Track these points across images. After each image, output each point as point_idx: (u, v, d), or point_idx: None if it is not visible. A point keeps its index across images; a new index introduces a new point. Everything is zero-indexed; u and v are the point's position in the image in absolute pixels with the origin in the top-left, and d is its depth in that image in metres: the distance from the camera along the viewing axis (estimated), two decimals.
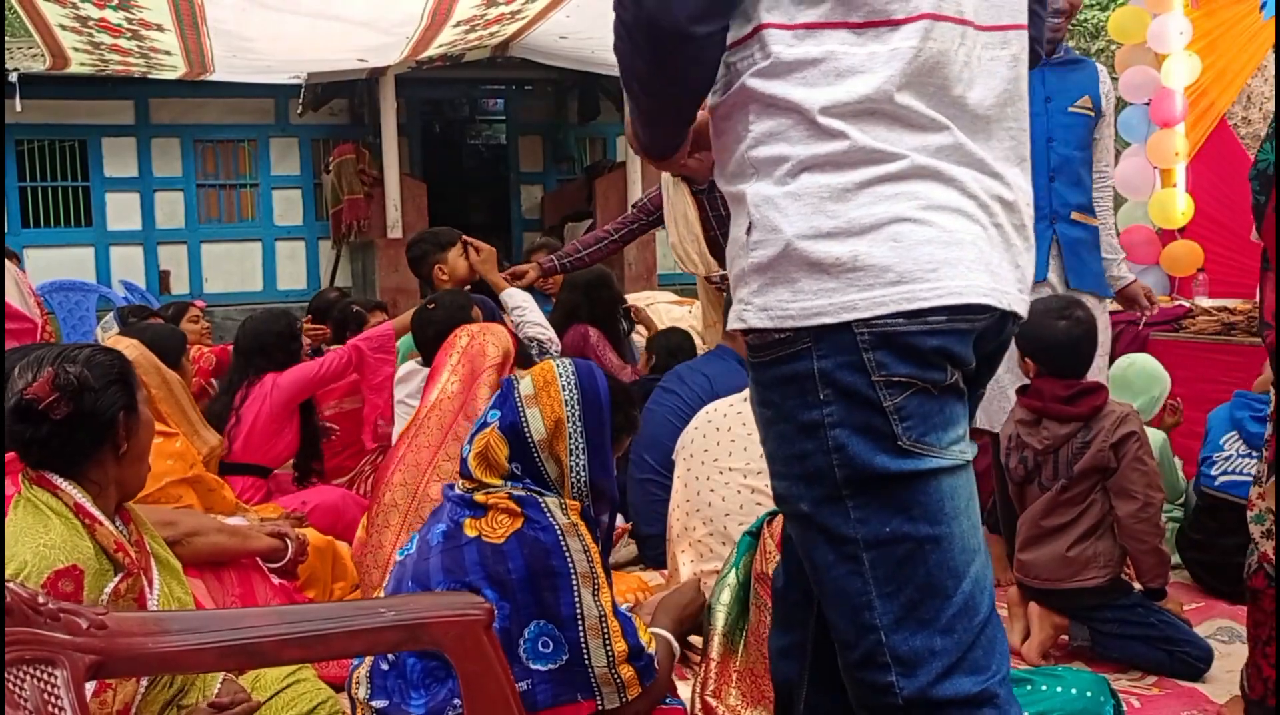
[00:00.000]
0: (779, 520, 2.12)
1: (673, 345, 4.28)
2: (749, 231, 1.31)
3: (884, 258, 1.24)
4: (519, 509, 1.95)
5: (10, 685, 1.08)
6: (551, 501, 1.98)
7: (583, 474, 2.01)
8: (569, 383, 2.05)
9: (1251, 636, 2.17)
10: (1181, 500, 3.49)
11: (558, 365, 2.09)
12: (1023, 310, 1.34)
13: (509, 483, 2.00)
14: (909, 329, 1.24)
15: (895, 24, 1.25)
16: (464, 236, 3.93)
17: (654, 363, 4.25)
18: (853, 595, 1.31)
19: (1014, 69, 1.34)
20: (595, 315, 4.48)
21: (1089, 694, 2.20)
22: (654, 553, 3.41)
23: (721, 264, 4.22)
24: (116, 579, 1.74)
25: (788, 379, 1.30)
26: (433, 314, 3.48)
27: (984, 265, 1.26)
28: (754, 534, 2.24)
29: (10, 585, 1.16)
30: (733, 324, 1.37)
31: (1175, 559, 3.34)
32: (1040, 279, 3.26)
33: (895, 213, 1.24)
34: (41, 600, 1.18)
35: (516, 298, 3.81)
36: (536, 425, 2.01)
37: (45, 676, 1.14)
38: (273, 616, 1.40)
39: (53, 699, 1.13)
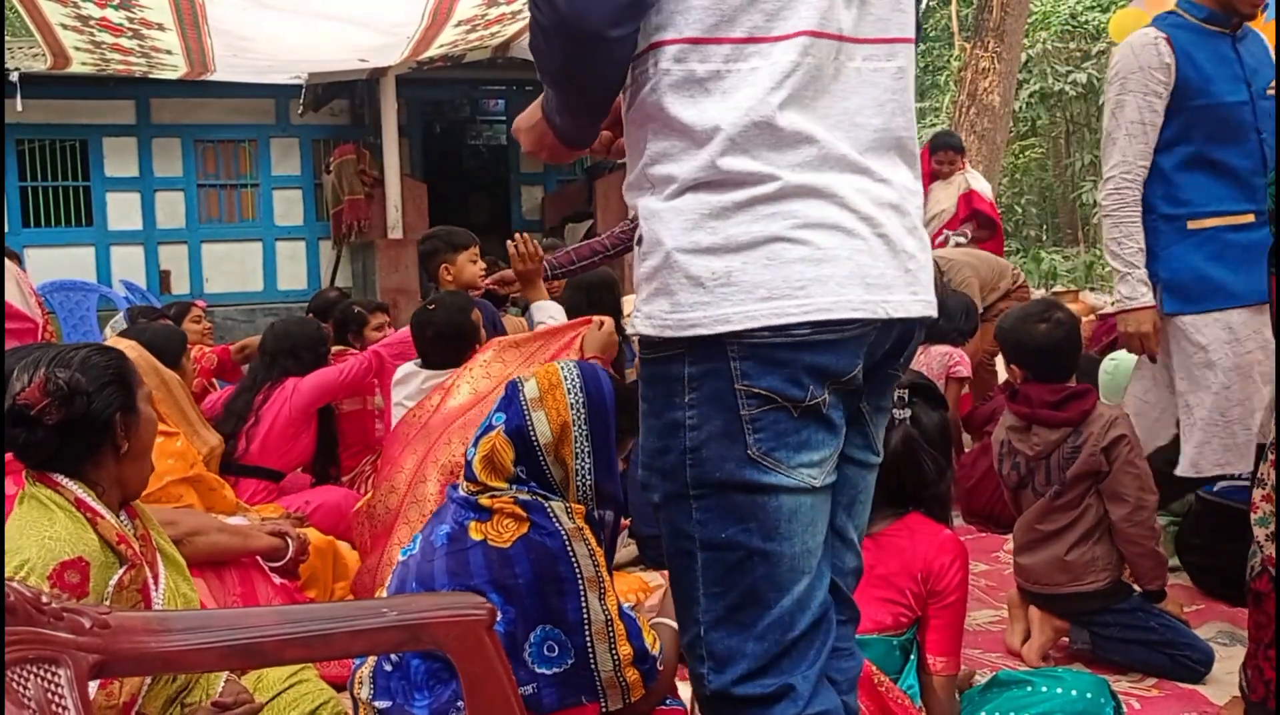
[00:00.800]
0: None
1: None
2: (640, 242, 1.39)
3: (757, 275, 1.29)
4: (525, 514, 1.94)
5: (15, 684, 1.08)
6: (557, 506, 1.97)
7: (588, 478, 2.01)
8: (574, 386, 2.04)
9: (1254, 639, 2.16)
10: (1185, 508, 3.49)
11: (562, 368, 2.08)
12: (919, 311, 1.38)
13: (514, 486, 2.00)
14: (775, 342, 1.29)
15: (775, 40, 1.30)
16: (517, 235, 3.85)
17: None
18: (685, 587, 1.40)
19: (899, 80, 1.39)
20: (595, 313, 4.48)
21: (1089, 695, 2.20)
22: (654, 553, 3.41)
23: None
24: (121, 571, 1.75)
25: (660, 378, 1.37)
26: (432, 315, 3.47)
27: (859, 279, 1.31)
28: None
29: (14, 584, 1.16)
30: (629, 328, 1.47)
31: (1174, 561, 3.34)
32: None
33: (771, 232, 1.29)
34: (45, 599, 1.18)
35: (549, 309, 3.78)
36: (542, 429, 2.00)
37: (49, 676, 1.14)
38: (275, 616, 1.40)
39: (56, 698, 1.13)
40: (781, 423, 1.31)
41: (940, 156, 6.62)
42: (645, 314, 1.37)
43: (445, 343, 3.41)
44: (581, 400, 2.03)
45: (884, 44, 1.38)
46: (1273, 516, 2.10)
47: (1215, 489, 3.17)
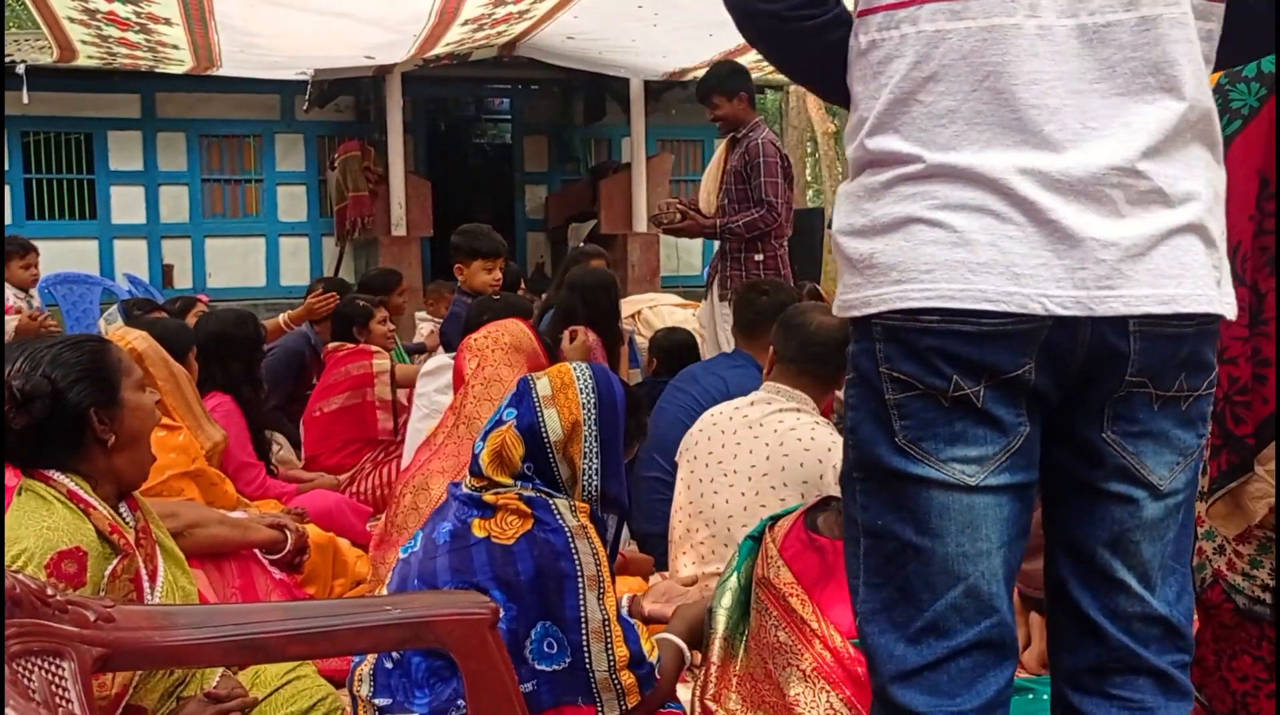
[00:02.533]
0: (781, 524, 2.11)
1: (673, 343, 4.26)
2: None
3: (893, 257, 1.25)
4: (529, 510, 1.95)
5: (20, 676, 1.08)
6: (561, 503, 1.98)
7: (594, 478, 2.01)
8: (587, 386, 2.06)
9: (1213, 652, 2.10)
10: None
11: (575, 368, 2.10)
12: (1124, 309, 1.22)
13: (519, 483, 2.00)
14: (907, 326, 1.25)
15: (921, 3, 1.23)
16: (579, 329, 3.93)
17: (655, 366, 4.24)
18: (850, 574, 1.37)
19: (1143, 32, 1.22)
20: (592, 318, 4.48)
21: None
22: (655, 553, 3.40)
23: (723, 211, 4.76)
24: (115, 561, 1.75)
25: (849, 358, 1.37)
26: (493, 303, 3.61)
27: (1003, 267, 1.21)
28: (756, 538, 2.23)
29: (20, 576, 1.16)
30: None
31: None
32: None
33: (909, 212, 1.25)
34: (50, 592, 1.18)
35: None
36: (553, 426, 2.01)
37: (53, 668, 1.14)
38: (279, 612, 1.41)
39: (60, 690, 1.13)
40: (928, 412, 1.26)
41: None
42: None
43: None
44: (593, 401, 2.04)
45: None
46: (1219, 531, 2.04)
47: None
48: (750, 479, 2.74)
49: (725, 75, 4.83)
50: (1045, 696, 2.19)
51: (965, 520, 1.27)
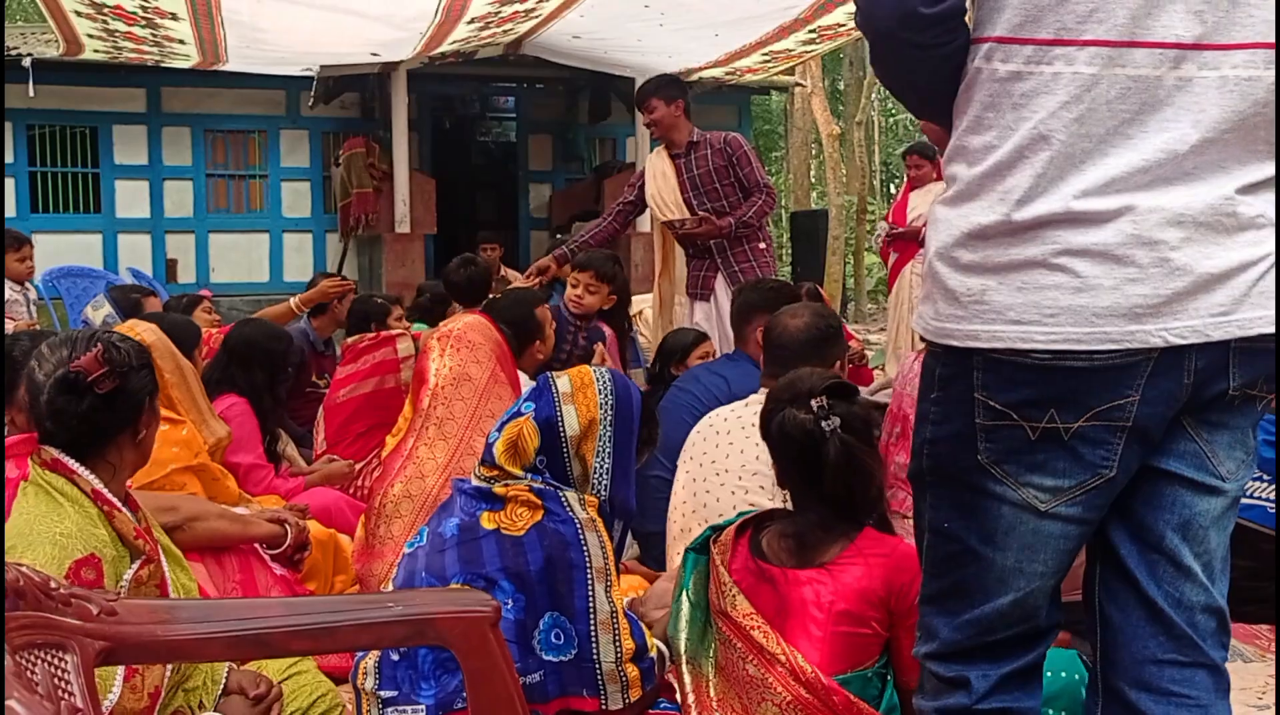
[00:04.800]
0: (723, 541, 2.06)
1: (675, 345, 4.25)
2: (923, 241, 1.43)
3: (1009, 297, 1.29)
4: (539, 501, 1.97)
5: (22, 667, 1.08)
6: (571, 496, 2.00)
7: (605, 478, 2.04)
8: (605, 387, 2.10)
9: None
10: None
11: (594, 371, 2.15)
12: (1227, 334, 1.28)
13: (530, 475, 2.02)
14: (1016, 361, 1.30)
15: (1081, 44, 1.25)
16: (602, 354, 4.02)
17: (654, 370, 4.23)
18: (919, 557, 1.50)
19: (1238, 90, 1.26)
20: (606, 313, 4.51)
21: (1064, 674, 2.10)
22: (655, 552, 3.41)
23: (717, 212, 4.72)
24: (136, 566, 1.74)
25: (927, 368, 1.44)
26: (495, 303, 3.65)
27: (1124, 310, 1.26)
28: (698, 550, 2.17)
29: (23, 568, 1.16)
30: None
31: None
32: None
33: (1029, 255, 1.29)
34: (53, 585, 1.18)
35: None
36: (571, 422, 2.04)
37: (55, 661, 1.15)
38: (281, 608, 1.41)
39: (63, 683, 1.13)
40: (1015, 440, 1.33)
41: (909, 161, 6.86)
42: (918, 313, 1.44)
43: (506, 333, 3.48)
44: (611, 402, 2.08)
45: (1262, 49, 1.25)
46: None
47: None
48: (741, 478, 2.76)
49: (666, 83, 4.93)
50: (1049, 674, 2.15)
51: (1028, 541, 1.37)
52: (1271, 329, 1.29)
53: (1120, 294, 1.26)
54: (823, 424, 1.94)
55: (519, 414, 2.09)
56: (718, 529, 2.15)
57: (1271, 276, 1.30)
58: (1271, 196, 1.30)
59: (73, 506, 1.72)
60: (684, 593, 2.10)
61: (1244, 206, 1.27)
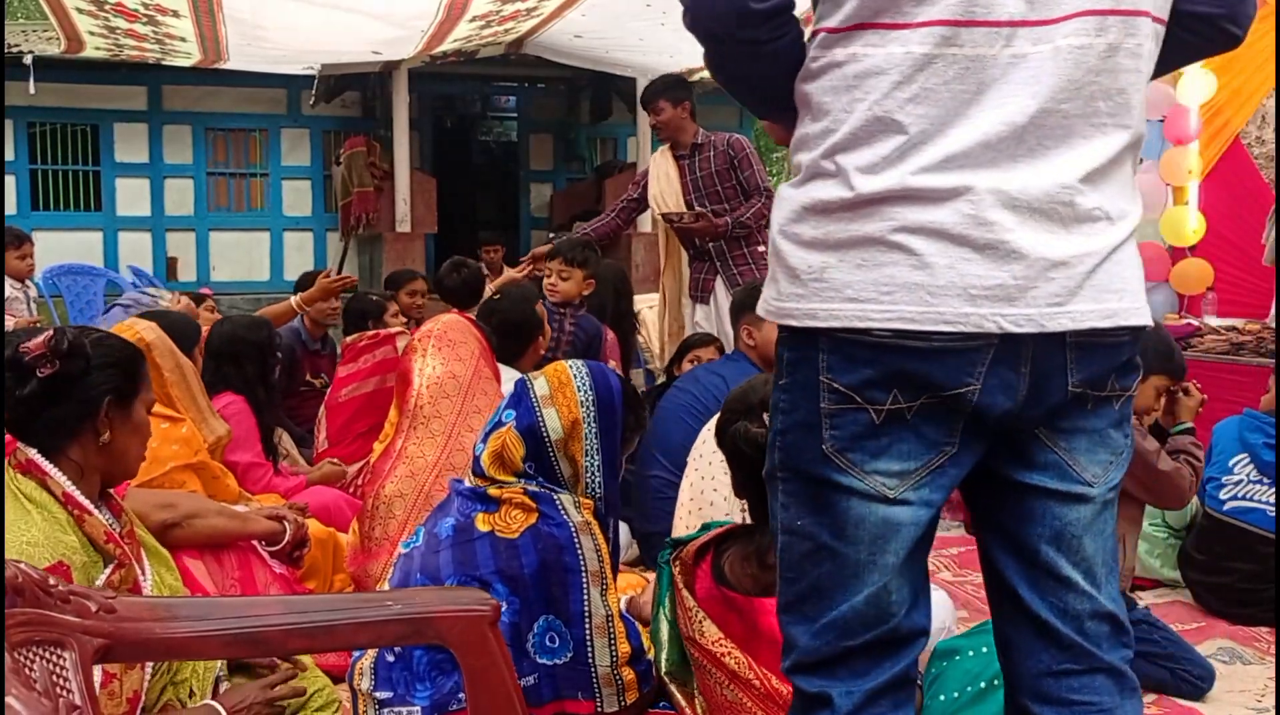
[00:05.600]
0: (686, 557, 2.05)
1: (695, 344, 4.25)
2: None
3: (849, 275, 1.28)
4: (533, 504, 1.96)
5: (21, 664, 1.08)
6: (565, 499, 1.99)
7: (597, 474, 2.02)
8: (584, 384, 2.07)
9: None
10: (1187, 522, 3.47)
11: (571, 367, 2.10)
12: (1070, 325, 1.27)
13: (522, 480, 2.01)
14: (860, 340, 1.28)
15: (911, 27, 1.25)
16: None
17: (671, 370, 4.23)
18: (778, 565, 1.42)
19: (1108, 58, 1.27)
20: (617, 311, 4.52)
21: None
22: (656, 552, 3.40)
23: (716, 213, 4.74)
24: (108, 571, 1.70)
25: (776, 356, 1.40)
26: (497, 304, 3.60)
27: (959, 290, 1.24)
28: (669, 562, 2.14)
29: (22, 566, 1.16)
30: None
31: (1176, 576, 3.33)
32: None
33: (867, 232, 1.27)
34: (52, 582, 1.18)
35: None
36: (553, 425, 2.02)
37: (54, 658, 1.14)
38: (279, 606, 1.40)
39: (61, 680, 1.13)
40: (859, 424, 1.30)
41: None
42: (763, 295, 1.39)
43: (507, 333, 3.49)
44: (591, 397, 2.04)
45: (1092, 16, 1.25)
46: None
47: (1225, 508, 3.16)
48: None
49: (672, 84, 4.96)
50: (970, 653, 2.12)
51: (878, 531, 1.32)
52: (1102, 323, 1.27)
53: (956, 273, 1.24)
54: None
55: (500, 424, 2.06)
56: (678, 544, 2.12)
57: (1118, 269, 1.28)
58: (1114, 189, 1.29)
59: (40, 513, 1.67)
60: (661, 611, 2.09)
61: (1082, 197, 1.26)
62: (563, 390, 2.05)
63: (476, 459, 2.06)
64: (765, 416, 1.93)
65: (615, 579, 2.05)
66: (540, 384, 2.08)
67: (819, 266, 1.29)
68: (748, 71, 1.40)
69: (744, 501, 2.12)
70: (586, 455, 2.01)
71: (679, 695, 2.04)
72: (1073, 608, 1.37)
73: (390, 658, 1.95)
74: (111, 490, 1.88)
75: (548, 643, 1.91)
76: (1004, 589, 1.41)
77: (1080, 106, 1.26)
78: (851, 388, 1.29)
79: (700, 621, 1.94)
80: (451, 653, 1.81)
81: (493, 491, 1.99)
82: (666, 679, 2.07)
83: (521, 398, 2.07)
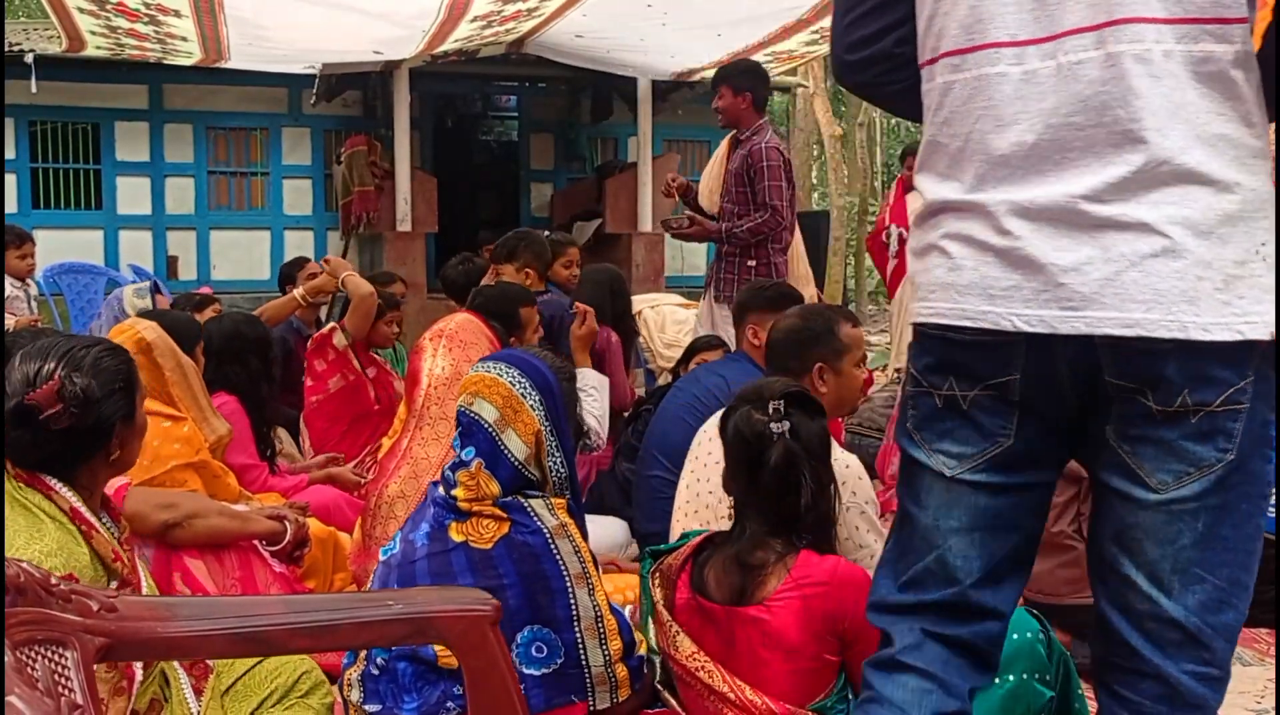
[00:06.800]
0: (667, 567, 2.04)
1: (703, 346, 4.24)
2: None
3: (921, 277, 1.49)
4: (504, 514, 1.93)
5: (23, 663, 1.08)
6: (537, 503, 1.96)
7: (562, 471, 2.02)
8: (528, 392, 2.02)
9: None
10: None
11: (502, 376, 2.04)
12: (1085, 329, 1.30)
13: (498, 502, 1.99)
14: (927, 334, 1.47)
15: (934, 61, 1.46)
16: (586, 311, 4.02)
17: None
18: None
19: (1110, 68, 1.29)
20: (615, 312, 4.50)
21: (1014, 636, 2.02)
22: None
23: (725, 213, 4.84)
24: (112, 586, 1.70)
25: None
26: (480, 291, 3.65)
27: (980, 290, 1.38)
28: (649, 575, 2.12)
29: (24, 565, 1.16)
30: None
31: None
32: None
33: (928, 241, 1.47)
34: (54, 581, 1.18)
35: (590, 377, 3.79)
36: (518, 448, 1.99)
37: (56, 657, 1.15)
38: (281, 606, 1.41)
39: (63, 680, 1.13)
40: (927, 405, 1.48)
41: (908, 163, 7.02)
42: None
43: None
44: (538, 400, 2.02)
45: (1090, 32, 1.30)
46: None
47: None
48: None
49: (740, 71, 4.89)
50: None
51: (941, 501, 1.48)
52: (1121, 332, 1.28)
53: (977, 274, 1.38)
54: (772, 426, 1.94)
55: (463, 464, 2.00)
56: (658, 554, 2.10)
57: (1149, 279, 1.27)
58: (1149, 195, 1.28)
59: (53, 523, 1.67)
60: (649, 619, 2.09)
61: (1098, 206, 1.29)
62: (514, 408, 2.00)
63: (452, 500, 2.02)
64: (770, 406, 1.96)
65: (601, 577, 2.03)
66: (487, 410, 2.01)
67: (914, 272, 1.52)
68: (884, 105, 1.74)
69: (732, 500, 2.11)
70: (550, 456, 2.00)
71: (672, 700, 2.05)
72: (1133, 606, 1.39)
73: (375, 671, 1.94)
74: (109, 494, 1.88)
75: (534, 653, 1.90)
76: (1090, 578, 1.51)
77: (1093, 118, 1.31)
78: (919, 372, 1.48)
79: (674, 635, 1.94)
80: (436, 663, 1.82)
81: (462, 505, 1.97)
82: (659, 686, 2.08)
83: (474, 430, 2.01)
